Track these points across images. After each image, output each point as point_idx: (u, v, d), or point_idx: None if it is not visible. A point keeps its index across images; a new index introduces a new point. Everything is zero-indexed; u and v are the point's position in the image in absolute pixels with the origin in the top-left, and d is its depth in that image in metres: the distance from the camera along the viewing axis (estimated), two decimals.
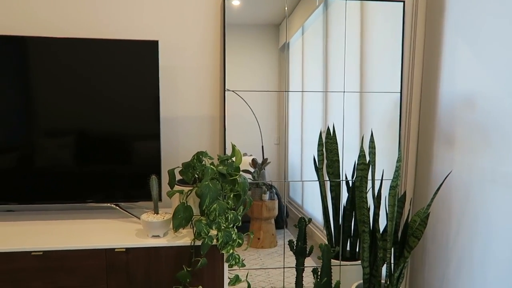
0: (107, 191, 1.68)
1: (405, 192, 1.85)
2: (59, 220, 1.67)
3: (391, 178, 1.98)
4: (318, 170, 2.03)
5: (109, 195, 1.68)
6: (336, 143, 2.00)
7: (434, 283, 1.90)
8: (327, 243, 2.05)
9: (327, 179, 2.02)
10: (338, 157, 2.01)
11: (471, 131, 1.64)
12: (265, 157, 2.10)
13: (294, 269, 2.05)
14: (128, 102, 1.66)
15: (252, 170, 2.05)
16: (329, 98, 2.03)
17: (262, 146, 2.03)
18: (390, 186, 1.65)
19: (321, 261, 1.78)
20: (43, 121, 1.62)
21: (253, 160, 2.05)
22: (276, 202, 2.16)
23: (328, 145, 2.01)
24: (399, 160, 1.63)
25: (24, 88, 1.60)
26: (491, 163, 1.52)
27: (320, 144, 2.01)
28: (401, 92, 1.98)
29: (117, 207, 1.72)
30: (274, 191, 2.16)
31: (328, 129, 2.01)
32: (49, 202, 1.65)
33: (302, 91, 1.99)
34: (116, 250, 1.42)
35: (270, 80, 1.98)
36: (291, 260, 2.06)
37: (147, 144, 1.69)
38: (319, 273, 1.77)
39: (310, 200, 2.11)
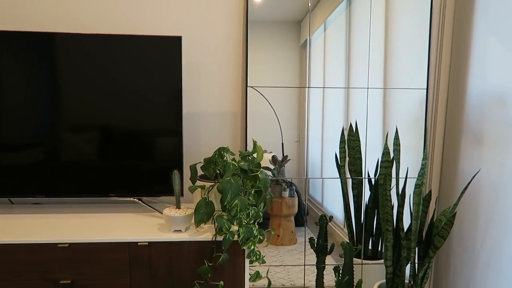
0: (130, 186, 1.70)
1: (430, 191, 1.80)
2: (84, 214, 1.70)
3: (415, 176, 1.93)
4: (340, 167, 2.00)
5: (132, 189, 1.70)
6: (359, 141, 1.97)
7: (459, 285, 1.85)
8: (348, 241, 2.02)
9: (349, 176, 2.00)
10: (361, 154, 1.98)
11: (502, 128, 1.58)
12: (285, 154, 2.09)
13: (314, 267, 2.03)
14: (152, 98, 1.67)
15: (272, 167, 2.04)
16: (351, 94, 2.00)
17: (282, 143, 2.02)
18: (415, 185, 1.61)
19: (343, 259, 1.76)
20: (69, 116, 1.65)
21: (273, 157, 2.04)
22: (296, 199, 2.14)
23: (351, 142, 1.98)
24: (424, 158, 1.59)
25: (51, 84, 1.63)
26: None
27: (342, 141, 1.99)
28: (427, 89, 1.93)
29: (140, 202, 1.74)
30: (294, 188, 2.15)
31: (351, 126, 1.98)
32: (74, 196, 1.68)
33: (324, 87, 1.97)
34: (139, 243, 1.43)
35: (291, 77, 1.96)
36: (311, 258, 2.05)
37: (169, 140, 1.70)
38: (340, 271, 1.75)
39: (331, 198, 2.09)
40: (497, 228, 1.59)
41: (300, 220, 2.19)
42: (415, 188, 1.61)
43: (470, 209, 1.76)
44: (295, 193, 2.14)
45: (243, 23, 1.86)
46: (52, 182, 1.67)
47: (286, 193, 2.12)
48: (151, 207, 1.74)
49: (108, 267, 1.43)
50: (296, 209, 2.17)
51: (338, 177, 2.00)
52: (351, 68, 1.98)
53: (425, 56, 1.92)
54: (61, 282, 1.42)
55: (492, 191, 1.63)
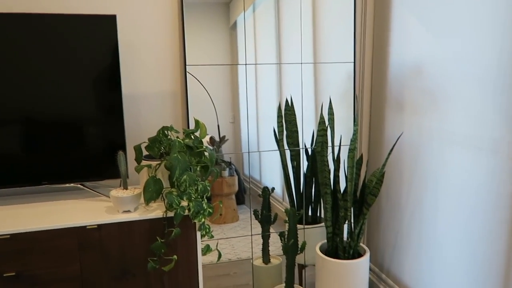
0: (72, 171, 1.64)
1: (361, 155, 1.98)
2: (25, 204, 1.61)
3: (348, 143, 2.10)
4: (278, 141, 2.10)
5: (74, 175, 1.65)
6: (295, 115, 2.08)
7: (390, 237, 2.08)
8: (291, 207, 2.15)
9: (287, 148, 2.11)
10: (297, 127, 2.09)
11: (418, 95, 1.78)
12: (222, 135, 2.14)
13: (259, 241, 2.14)
14: (89, 79, 1.61)
15: (210, 148, 2.09)
16: (284, 71, 2.09)
17: (218, 125, 2.07)
18: (349, 149, 1.76)
19: (287, 225, 1.87)
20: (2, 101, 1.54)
21: (211, 138, 2.08)
22: (236, 178, 2.21)
23: (287, 116, 2.08)
24: (356, 125, 1.74)
25: None
26: (438, 123, 1.67)
27: (279, 116, 2.08)
28: (354, 62, 2.08)
29: (83, 187, 1.69)
30: (233, 167, 2.22)
31: (287, 101, 2.08)
32: (10, 186, 1.59)
33: (256, 64, 2.04)
34: (87, 227, 1.41)
35: (224, 57, 2.00)
36: (255, 232, 2.14)
37: (110, 122, 1.66)
38: (286, 236, 1.86)
39: (268, 175, 2.19)
40: (418, 183, 1.81)
41: (240, 198, 2.28)
42: (348, 152, 1.76)
43: (396, 168, 1.97)
44: (234, 172, 2.21)
45: (178, 2, 1.85)
46: None
47: (226, 173, 2.18)
48: (96, 191, 1.70)
49: (56, 254, 1.39)
50: (236, 188, 2.24)
51: (277, 149, 2.10)
52: (282, 45, 2.07)
53: (351, 31, 2.06)
54: (4, 275, 1.35)
55: (413, 152, 1.84)
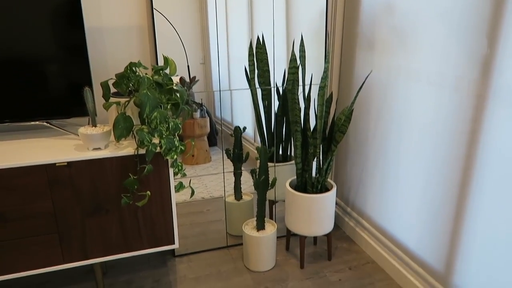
0: (36, 110, 1.58)
1: (331, 93, 2.01)
2: None
3: (319, 82, 2.12)
4: (249, 80, 2.09)
5: (39, 113, 1.59)
6: (266, 53, 2.05)
7: (356, 173, 2.18)
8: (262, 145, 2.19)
9: (258, 87, 2.10)
10: (269, 66, 2.07)
11: (389, 34, 1.78)
12: (192, 76, 2.09)
13: (230, 180, 2.19)
14: (49, 11, 1.51)
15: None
16: (255, 7, 2.03)
17: (188, 66, 2.01)
18: (319, 87, 1.77)
19: (259, 162, 1.92)
20: None
21: (181, 78, 2.04)
22: (208, 120, 2.21)
23: (259, 55, 2.05)
24: (326, 62, 1.75)
25: None
26: (406, 62, 1.69)
27: (250, 54, 2.04)
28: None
29: (50, 125, 1.64)
30: (205, 109, 2.20)
31: (258, 38, 2.04)
32: None
33: None
34: (57, 164, 1.39)
35: None
36: (227, 171, 2.19)
37: (74, 57, 1.58)
38: (257, 172, 1.92)
39: (240, 116, 2.19)
40: (384, 121, 1.87)
41: (212, 140, 2.29)
42: (319, 90, 1.78)
43: (364, 106, 2.02)
44: (206, 114, 2.20)
45: None
46: None
47: (197, 114, 2.16)
48: (63, 129, 1.66)
49: (27, 191, 1.38)
50: (208, 129, 2.24)
51: (248, 87, 2.09)
52: None
53: None
54: None
55: (381, 90, 1.87)
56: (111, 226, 1.52)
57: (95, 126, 1.50)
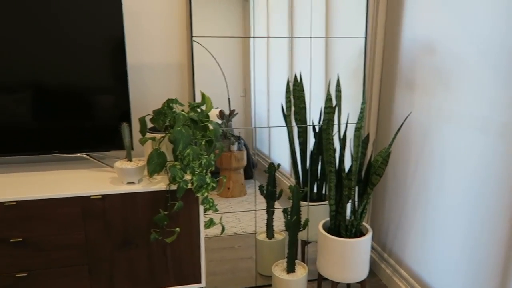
0: (78, 142, 1.66)
1: (368, 134, 1.95)
2: (32, 172, 1.64)
3: (356, 122, 2.07)
4: (286, 117, 2.08)
5: (79, 145, 1.66)
6: (303, 91, 2.05)
7: (393, 217, 2.07)
8: (295, 184, 2.15)
9: (295, 125, 2.09)
10: (305, 104, 2.07)
11: (429, 74, 1.73)
12: (232, 109, 2.12)
13: (264, 216, 2.15)
14: (94, 49, 1.60)
15: (219, 121, 2.07)
16: (295, 45, 2.05)
17: (229, 98, 2.04)
18: (355, 128, 1.73)
19: (291, 201, 1.88)
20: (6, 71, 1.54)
21: (221, 111, 2.07)
22: (245, 152, 2.21)
23: (296, 92, 2.05)
24: (363, 103, 1.71)
25: None
26: (448, 104, 1.62)
27: (287, 91, 2.05)
28: (366, 38, 2.02)
29: (89, 157, 1.71)
30: (242, 142, 2.21)
31: (295, 76, 2.05)
32: (14, 154, 1.61)
33: (268, 37, 1.99)
34: (91, 197, 1.43)
35: (236, 30, 1.96)
36: (260, 207, 2.16)
37: (115, 93, 1.66)
38: (289, 212, 1.87)
39: (277, 150, 2.18)
40: (425, 164, 1.78)
41: (249, 172, 2.28)
42: (355, 131, 1.74)
43: (403, 148, 1.94)
44: (243, 146, 2.21)
45: None
46: None
47: (234, 147, 2.17)
48: (101, 162, 1.72)
49: (61, 222, 1.42)
50: (245, 162, 2.24)
51: (285, 125, 2.09)
52: (294, 18, 2.02)
53: (364, 5, 1.99)
54: (11, 240, 1.39)
55: (421, 131, 1.80)
56: (139, 261, 1.53)
57: (131, 160, 1.54)
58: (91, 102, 1.64)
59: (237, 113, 2.14)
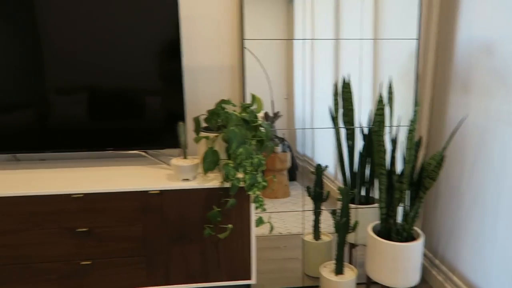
0: (135, 140, 1.75)
1: (421, 137, 1.91)
2: (94, 167, 1.75)
3: (405, 125, 2.03)
4: (334, 119, 2.08)
5: (136, 143, 1.75)
6: (351, 92, 2.04)
7: (446, 223, 2.01)
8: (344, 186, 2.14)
9: (343, 126, 2.08)
10: (353, 106, 2.06)
11: (487, 76, 1.67)
12: (276, 111, 2.15)
13: (308, 217, 2.15)
14: (152, 51, 1.69)
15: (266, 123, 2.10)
16: (341, 47, 2.04)
17: (272, 101, 2.07)
18: (408, 130, 1.70)
19: (339, 203, 1.87)
20: (68, 72, 1.65)
21: (265, 113, 2.10)
22: (289, 154, 2.23)
23: (344, 94, 2.04)
24: (417, 105, 1.68)
25: (46, 45, 1.62)
26: (508, 106, 1.56)
27: (335, 93, 2.05)
28: (418, 39, 1.99)
29: (146, 154, 1.79)
30: (286, 144, 2.23)
31: (344, 78, 2.05)
32: (80, 150, 1.72)
33: (314, 39, 2.01)
34: (150, 192, 1.51)
35: (280, 32, 1.99)
36: (304, 209, 2.16)
37: (171, 93, 1.73)
38: (338, 214, 1.87)
39: (322, 153, 2.18)
40: (482, 170, 1.72)
41: (292, 174, 2.29)
42: (408, 133, 1.71)
43: (458, 152, 1.88)
44: (287, 148, 2.22)
45: None
46: (52, 138, 1.70)
47: (278, 149, 2.19)
48: (158, 159, 1.80)
49: (122, 215, 1.51)
50: (288, 164, 2.26)
51: (332, 127, 2.08)
52: (341, 20, 2.02)
53: (416, 5, 1.96)
54: (77, 230, 1.49)
55: (478, 136, 1.74)
56: (193, 255, 1.58)
57: (186, 158, 1.60)
58: (146, 102, 1.72)
59: (281, 115, 2.16)
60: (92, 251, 1.51)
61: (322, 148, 2.18)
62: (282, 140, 2.19)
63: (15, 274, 1.50)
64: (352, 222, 1.89)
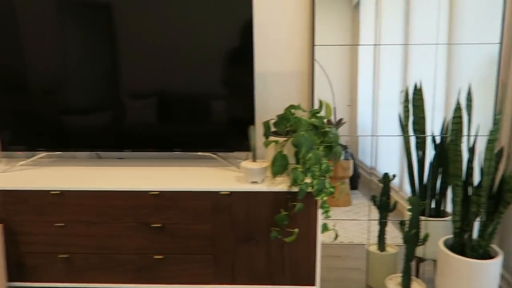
0: (207, 142, 1.81)
1: (502, 147, 1.79)
2: (168, 167, 1.84)
3: (485, 134, 1.91)
4: (403, 127, 2.01)
5: (209, 145, 1.81)
6: (423, 100, 1.97)
7: None
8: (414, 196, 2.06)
9: (412, 135, 2.01)
10: (424, 113, 1.98)
11: None
12: (339, 118, 2.12)
13: (372, 228, 2.09)
14: (223, 57, 1.73)
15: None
16: (411, 53, 1.97)
17: (335, 107, 2.05)
18: (488, 140, 1.60)
19: (409, 214, 1.80)
20: (139, 78, 1.76)
21: (328, 120, 2.08)
22: (351, 162, 2.19)
23: (415, 101, 1.97)
24: (499, 113, 1.58)
25: (125, 53, 1.73)
26: None
27: (405, 100, 1.99)
28: (501, 43, 1.86)
29: (217, 156, 1.85)
30: (349, 152, 2.19)
31: (416, 84, 1.98)
32: (152, 150, 1.82)
33: (385, 44, 1.96)
34: (220, 193, 1.55)
35: (345, 38, 1.96)
36: (367, 218, 2.11)
37: (241, 98, 1.77)
38: (407, 225, 1.80)
39: (385, 162, 2.11)
40: None
41: (354, 183, 2.25)
42: (487, 143, 1.61)
43: None
44: (350, 156, 2.19)
45: None
46: (128, 138, 1.81)
47: (341, 156, 2.16)
48: (228, 161, 1.85)
49: (193, 213, 1.57)
50: (351, 172, 2.22)
51: (401, 135, 2.02)
52: (411, 24, 1.95)
53: (499, 9, 1.84)
54: (152, 225, 1.58)
55: None
56: (259, 257, 1.61)
57: (255, 161, 1.63)
58: (218, 107, 1.78)
59: (345, 122, 2.13)
60: (165, 246, 1.59)
61: (386, 157, 2.12)
62: (345, 147, 2.16)
63: (96, 262, 1.62)
64: (421, 234, 1.81)
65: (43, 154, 1.85)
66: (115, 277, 1.62)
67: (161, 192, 1.55)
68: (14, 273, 1.64)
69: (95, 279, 1.64)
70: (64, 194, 1.57)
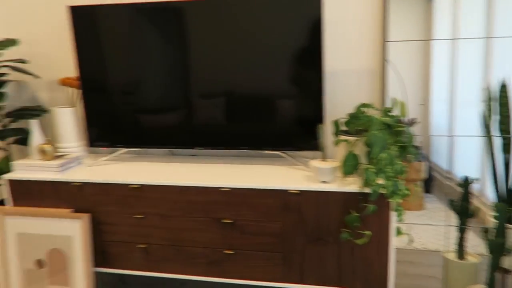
0: (275, 141, 1.82)
1: None
2: (238, 165, 1.87)
3: None
4: (486, 127, 1.86)
5: (277, 144, 1.82)
6: (508, 97, 1.81)
7: None
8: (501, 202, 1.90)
9: (498, 135, 1.85)
10: (510, 112, 1.81)
11: None
12: (411, 117, 2.03)
13: (448, 234, 1.97)
14: (291, 56, 1.72)
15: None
16: (493, 47, 1.82)
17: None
18: None
19: (494, 221, 1.66)
20: (211, 78, 1.81)
21: (400, 120, 1.99)
22: (424, 164, 2.08)
23: (502, 99, 1.82)
24: None
25: (201, 55, 1.79)
26: None
27: (489, 98, 1.84)
28: None
29: (286, 155, 1.85)
30: (422, 153, 2.08)
31: (502, 81, 1.83)
32: (230, 148, 1.86)
33: (463, 38, 1.82)
34: (289, 191, 1.55)
35: (418, 33, 1.86)
36: (444, 223, 1.98)
37: (310, 97, 1.75)
38: (491, 232, 1.66)
39: (462, 164, 1.97)
40: None
41: (427, 186, 2.13)
42: None
43: None
44: (423, 157, 2.08)
45: None
46: (198, 136, 1.86)
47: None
48: (297, 161, 1.85)
49: (263, 211, 1.59)
50: (424, 174, 2.10)
51: (485, 135, 1.87)
52: (494, 15, 1.80)
53: None
54: (222, 221, 1.62)
55: None
56: (328, 258, 1.58)
57: (325, 160, 1.61)
58: (286, 106, 1.77)
59: (418, 122, 2.03)
60: (235, 242, 1.63)
61: (463, 158, 1.98)
62: (417, 148, 2.05)
63: (171, 254, 1.70)
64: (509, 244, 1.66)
65: (123, 150, 1.98)
66: (188, 269, 1.69)
67: (232, 189, 1.58)
68: (98, 260, 1.78)
69: (169, 270, 1.72)
70: (142, 188, 1.67)
